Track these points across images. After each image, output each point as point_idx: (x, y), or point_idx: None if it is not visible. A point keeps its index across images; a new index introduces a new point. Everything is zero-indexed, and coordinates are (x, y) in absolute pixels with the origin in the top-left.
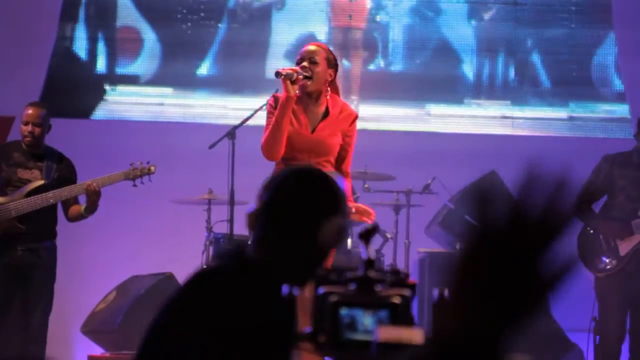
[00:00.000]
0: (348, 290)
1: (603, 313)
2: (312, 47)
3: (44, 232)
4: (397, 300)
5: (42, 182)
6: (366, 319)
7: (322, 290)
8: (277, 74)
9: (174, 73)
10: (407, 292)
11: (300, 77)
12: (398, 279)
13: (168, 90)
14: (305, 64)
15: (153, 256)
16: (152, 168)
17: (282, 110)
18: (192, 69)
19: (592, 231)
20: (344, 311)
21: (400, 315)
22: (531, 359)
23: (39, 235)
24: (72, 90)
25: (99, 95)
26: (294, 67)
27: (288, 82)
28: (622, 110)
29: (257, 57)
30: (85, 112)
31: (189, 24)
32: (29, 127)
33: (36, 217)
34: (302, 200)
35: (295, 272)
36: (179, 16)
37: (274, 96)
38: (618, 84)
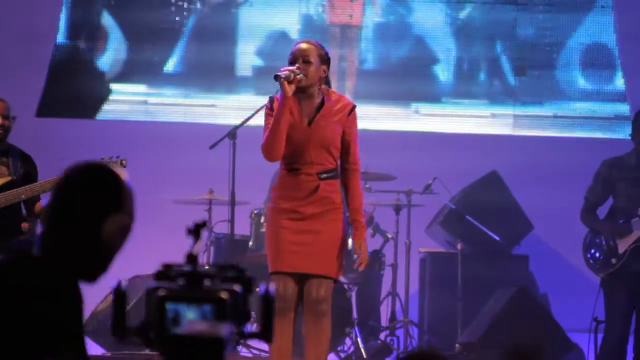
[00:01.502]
0: (176, 285)
1: (608, 312)
2: (304, 46)
3: (15, 230)
4: (224, 295)
5: (10, 178)
6: (190, 314)
7: (152, 285)
8: (277, 77)
9: (143, 70)
10: (237, 287)
11: (298, 77)
12: (232, 274)
13: (141, 87)
14: (298, 64)
15: (154, 256)
16: (124, 162)
17: (280, 110)
18: (160, 65)
19: (591, 234)
20: (169, 306)
21: (227, 310)
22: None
23: (9, 233)
24: (72, 90)
25: (101, 95)
26: (290, 67)
27: (286, 83)
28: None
29: (226, 54)
30: (85, 112)
31: (156, 18)
32: (0, 120)
33: (5, 215)
34: (84, 197)
35: (81, 269)
36: (144, 11)
37: (270, 98)
38: (583, 83)
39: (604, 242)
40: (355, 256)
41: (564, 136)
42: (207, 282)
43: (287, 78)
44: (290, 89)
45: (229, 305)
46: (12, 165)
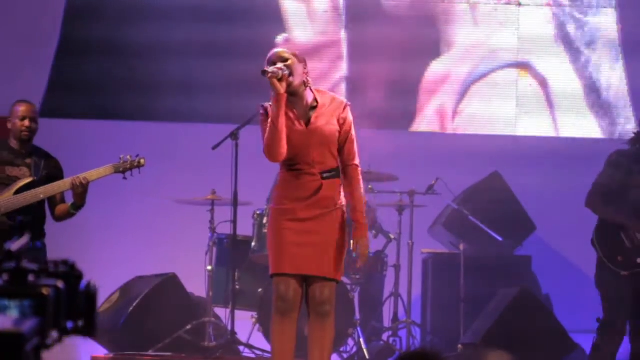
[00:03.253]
0: (0, 281)
1: (613, 312)
2: (277, 50)
3: (37, 232)
4: (45, 291)
5: (31, 179)
6: (12, 310)
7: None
8: (264, 72)
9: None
10: (60, 283)
11: (286, 73)
12: (61, 270)
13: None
14: (279, 64)
15: (157, 257)
16: (142, 161)
17: (276, 110)
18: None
19: (610, 228)
20: None
21: (48, 306)
22: (511, 357)
23: (32, 235)
24: (74, 91)
25: (104, 96)
26: (278, 66)
27: (276, 80)
28: None
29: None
30: (88, 113)
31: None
32: (27, 122)
33: (29, 216)
34: None
35: None
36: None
37: (262, 106)
38: (585, 83)
39: (624, 238)
40: (354, 254)
41: (566, 137)
42: (31, 278)
43: (275, 75)
44: (282, 87)
45: (50, 301)
46: (34, 166)
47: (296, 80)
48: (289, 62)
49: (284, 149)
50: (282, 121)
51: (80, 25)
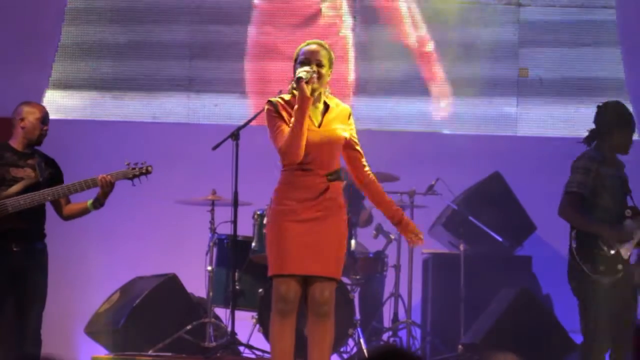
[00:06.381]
0: None
1: (595, 322)
2: (317, 48)
3: (39, 233)
4: None
5: (36, 179)
6: None
7: None
8: (299, 79)
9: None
10: None
11: (314, 77)
12: None
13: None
14: (313, 67)
15: (157, 257)
16: (150, 168)
17: (301, 112)
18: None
19: (587, 237)
20: None
21: None
22: (518, 358)
23: (34, 235)
24: (75, 91)
25: (103, 96)
26: (306, 68)
27: (304, 84)
28: None
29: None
30: (89, 113)
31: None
32: (46, 127)
33: (31, 217)
34: None
35: None
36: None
37: (270, 101)
38: (583, 82)
39: (604, 247)
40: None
41: (567, 136)
42: None
43: (306, 79)
44: (309, 90)
45: None
46: (38, 167)
47: (321, 85)
48: (323, 69)
49: (302, 151)
50: (306, 123)
51: (81, 24)
